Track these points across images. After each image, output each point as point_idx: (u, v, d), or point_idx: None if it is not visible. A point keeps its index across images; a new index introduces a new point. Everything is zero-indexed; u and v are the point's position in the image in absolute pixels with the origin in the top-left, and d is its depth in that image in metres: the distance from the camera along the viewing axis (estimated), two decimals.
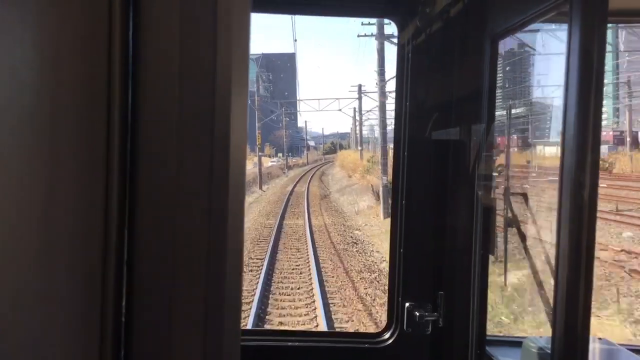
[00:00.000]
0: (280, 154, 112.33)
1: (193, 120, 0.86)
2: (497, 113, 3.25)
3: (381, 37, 33.47)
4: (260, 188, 53.57)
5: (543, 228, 3.54)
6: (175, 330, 0.87)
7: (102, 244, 0.84)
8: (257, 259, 20.15)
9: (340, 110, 74.57)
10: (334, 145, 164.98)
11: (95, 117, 0.83)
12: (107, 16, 0.83)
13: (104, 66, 0.83)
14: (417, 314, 3.34)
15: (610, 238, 20.70)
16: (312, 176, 70.08)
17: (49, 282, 0.82)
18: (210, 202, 0.86)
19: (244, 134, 0.91)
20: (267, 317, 14.08)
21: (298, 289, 16.33)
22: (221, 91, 0.86)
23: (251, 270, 18.11)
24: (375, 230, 26.26)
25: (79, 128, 0.83)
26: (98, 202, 0.84)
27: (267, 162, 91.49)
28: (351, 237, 25.05)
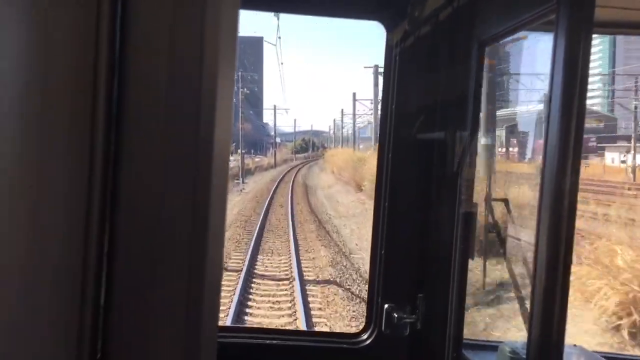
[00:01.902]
0: (238, 151, 68.24)
1: (178, 115, 0.86)
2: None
3: None
4: None
5: (523, 234, 3.57)
6: (154, 325, 0.87)
7: (82, 237, 0.84)
8: None
9: None
10: (306, 142, 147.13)
11: (80, 111, 0.83)
12: (95, 9, 0.82)
13: (90, 60, 0.83)
14: (396, 315, 3.36)
15: None
16: (290, 198, 33.84)
17: (30, 275, 0.82)
18: (193, 198, 0.87)
19: (229, 130, 0.91)
20: None
21: None
22: (207, 86, 0.86)
23: None
24: None
25: (64, 123, 0.83)
26: (80, 195, 0.84)
27: None
28: None
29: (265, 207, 28.80)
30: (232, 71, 0.89)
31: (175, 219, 0.86)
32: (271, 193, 37.35)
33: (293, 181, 47.42)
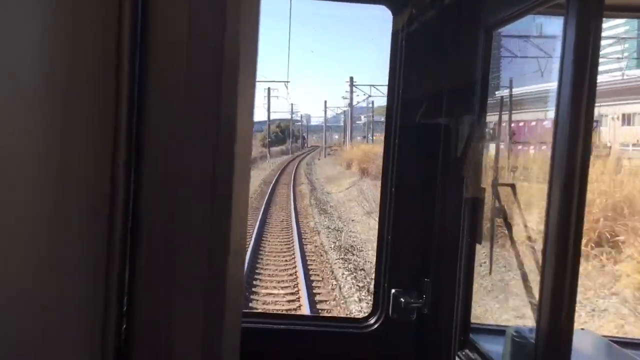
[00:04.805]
0: None
1: (199, 106, 0.86)
2: None
3: None
4: None
5: (531, 219, 3.57)
6: (175, 325, 0.88)
7: (106, 228, 0.85)
8: None
9: None
10: (283, 130, 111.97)
11: (102, 107, 0.84)
12: (118, 6, 0.83)
13: (112, 56, 0.84)
14: (403, 300, 3.37)
15: None
16: None
17: (56, 272, 0.83)
18: (214, 191, 0.87)
19: (251, 119, 0.90)
20: None
21: None
22: (228, 75, 0.85)
23: None
24: None
25: (87, 120, 0.84)
26: (104, 189, 0.85)
27: None
28: None
29: None
30: (254, 64, 0.89)
31: (196, 212, 0.87)
32: None
33: None
